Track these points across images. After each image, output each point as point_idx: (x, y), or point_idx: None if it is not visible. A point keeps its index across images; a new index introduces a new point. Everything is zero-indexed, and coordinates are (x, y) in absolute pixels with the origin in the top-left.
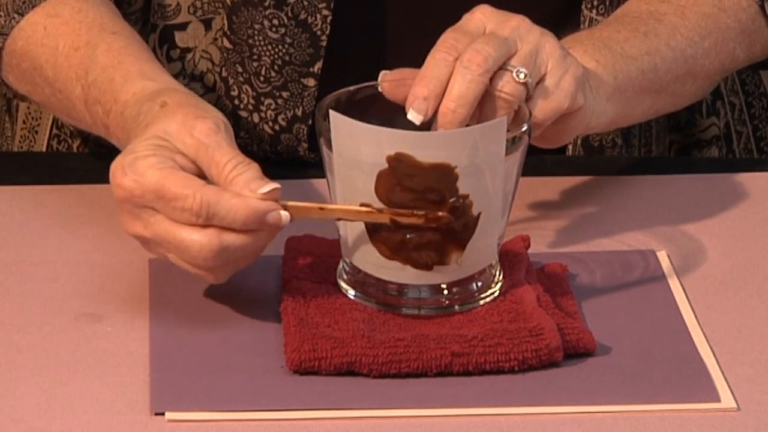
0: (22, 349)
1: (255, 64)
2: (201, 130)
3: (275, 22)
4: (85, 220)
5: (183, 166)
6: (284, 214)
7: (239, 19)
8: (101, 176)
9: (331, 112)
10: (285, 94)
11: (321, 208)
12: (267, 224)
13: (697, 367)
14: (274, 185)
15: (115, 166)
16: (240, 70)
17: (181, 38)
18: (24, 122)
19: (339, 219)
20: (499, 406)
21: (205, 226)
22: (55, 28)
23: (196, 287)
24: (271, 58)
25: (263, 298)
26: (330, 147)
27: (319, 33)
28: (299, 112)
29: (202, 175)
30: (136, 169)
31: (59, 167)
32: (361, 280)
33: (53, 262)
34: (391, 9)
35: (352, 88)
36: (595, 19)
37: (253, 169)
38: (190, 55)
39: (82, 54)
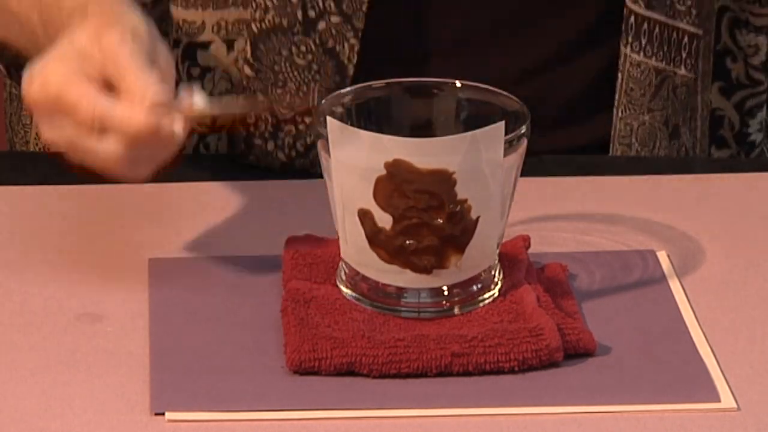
0: (22, 349)
1: (279, 90)
2: (108, 40)
3: (302, 48)
4: (85, 220)
5: (89, 76)
6: (176, 126)
7: (266, 45)
8: (101, 176)
9: (329, 119)
10: (308, 120)
11: (214, 117)
12: (161, 134)
13: (697, 367)
14: (165, 89)
15: (28, 73)
16: (261, 98)
17: (203, 57)
18: None
19: (227, 127)
20: (499, 406)
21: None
22: None
23: (196, 287)
24: (297, 83)
25: (263, 298)
26: (328, 152)
27: (346, 62)
28: None
29: (111, 85)
30: (42, 76)
31: (59, 167)
32: (360, 282)
33: (53, 262)
34: (418, 40)
35: (347, 90)
36: (639, 14)
37: (152, 77)
38: (210, 75)
39: None
